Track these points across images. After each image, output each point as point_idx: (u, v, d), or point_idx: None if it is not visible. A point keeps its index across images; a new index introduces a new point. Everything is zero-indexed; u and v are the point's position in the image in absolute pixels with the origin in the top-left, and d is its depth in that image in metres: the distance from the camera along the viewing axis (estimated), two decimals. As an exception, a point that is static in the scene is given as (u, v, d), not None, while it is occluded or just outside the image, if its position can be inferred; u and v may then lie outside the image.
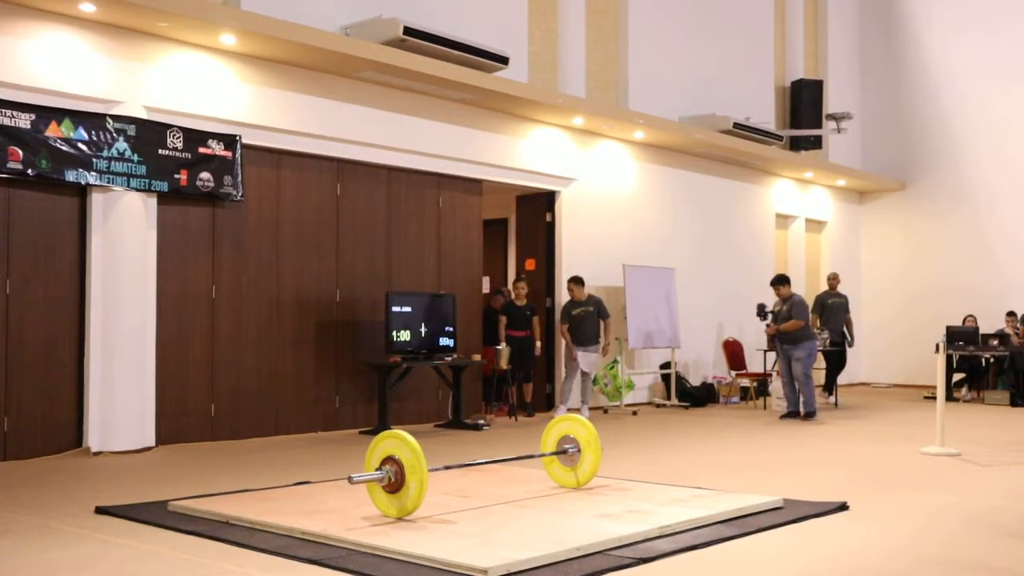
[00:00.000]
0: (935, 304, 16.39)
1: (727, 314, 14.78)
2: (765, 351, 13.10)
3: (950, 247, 16.83)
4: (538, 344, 11.50)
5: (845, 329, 13.67)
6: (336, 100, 9.72)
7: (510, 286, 12.47)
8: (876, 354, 17.58)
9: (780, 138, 15.01)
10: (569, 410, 11.45)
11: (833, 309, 13.66)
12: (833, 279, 14.11)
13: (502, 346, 11.27)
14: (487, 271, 12.29)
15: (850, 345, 13.84)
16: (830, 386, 13.58)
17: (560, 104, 11.25)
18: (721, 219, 14.76)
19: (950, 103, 16.86)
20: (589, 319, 11.42)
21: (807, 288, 16.37)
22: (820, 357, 13.75)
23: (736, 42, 15.06)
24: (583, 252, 12.42)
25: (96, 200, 8.19)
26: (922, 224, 17.22)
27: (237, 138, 9.00)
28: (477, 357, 10.96)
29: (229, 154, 8.95)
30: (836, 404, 13.17)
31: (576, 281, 11.49)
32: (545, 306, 12.29)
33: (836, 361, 13.58)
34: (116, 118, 8.18)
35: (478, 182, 11.35)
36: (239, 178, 9.02)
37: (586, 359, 11.41)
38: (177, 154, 8.58)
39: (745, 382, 13.88)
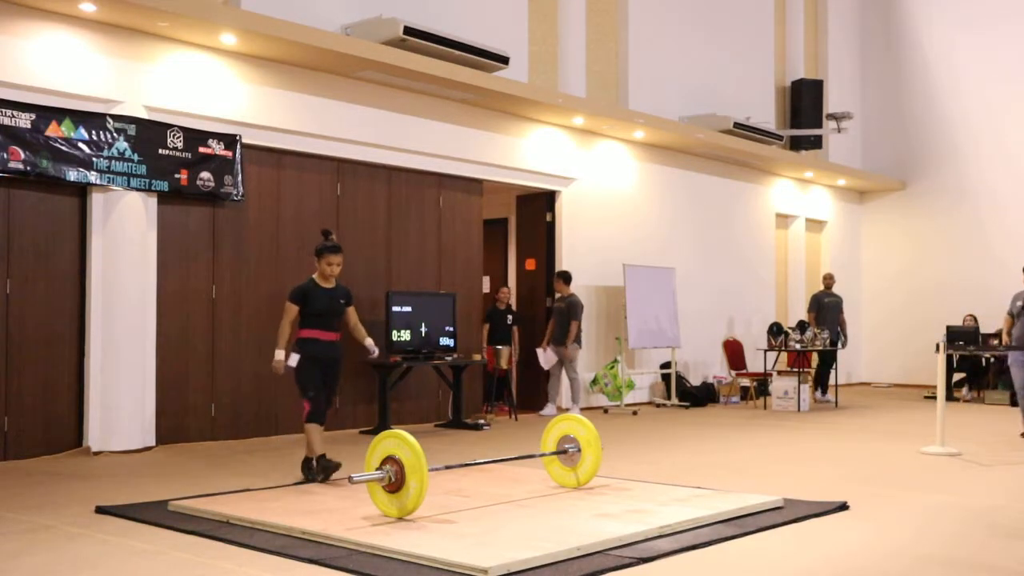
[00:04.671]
0: (935, 304, 16.40)
1: (727, 314, 14.79)
2: (765, 351, 13.10)
3: (950, 246, 16.83)
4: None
5: (839, 329, 13.73)
6: (336, 100, 9.72)
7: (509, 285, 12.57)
8: (876, 354, 17.58)
9: (780, 138, 15.01)
10: (559, 409, 11.51)
11: (829, 308, 13.74)
12: (828, 278, 14.19)
13: (501, 347, 11.32)
14: (487, 271, 12.29)
15: (843, 346, 13.88)
16: (824, 386, 13.66)
17: (560, 104, 11.25)
18: (721, 219, 14.76)
19: (950, 103, 16.86)
20: (559, 316, 11.50)
21: (807, 288, 16.37)
22: (814, 356, 13.77)
23: (736, 42, 15.06)
24: (583, 252, 12.42)
25: (96, 200, 8.20)
26: (922, 224, 17.22)
27: (237, 138, 9.00)
28: (477, 357, 10.96)
29: (229, 154, 8.95)
30: (835, 404, 13.18)
31: (562, 277, 11.64)
32: (545, 306, 12.31)
33: (830, 361, 13.66)
34: (116, 118, 8.19)
35: (478, 182, 11.35)
36: (239, 178, 9.02)
37: (543, 356, 11.52)
38: (177, 154, 8.58)
39: (745, 382, 13.88)
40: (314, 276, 6.92)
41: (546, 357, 11.52)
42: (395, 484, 5.14)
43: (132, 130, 8.28)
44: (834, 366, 13.68)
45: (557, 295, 11.63)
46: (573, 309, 11.45)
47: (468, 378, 10.74)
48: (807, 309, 14.18)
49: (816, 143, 16.17)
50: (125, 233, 8.26)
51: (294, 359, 6.74)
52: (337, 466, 6.66)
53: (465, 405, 10.50)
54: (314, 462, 6.70)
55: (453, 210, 11.08)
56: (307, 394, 6.74)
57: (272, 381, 9.31)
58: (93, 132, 8.04)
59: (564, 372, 11.60)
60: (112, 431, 8.14)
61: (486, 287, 12.32)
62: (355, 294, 9.98)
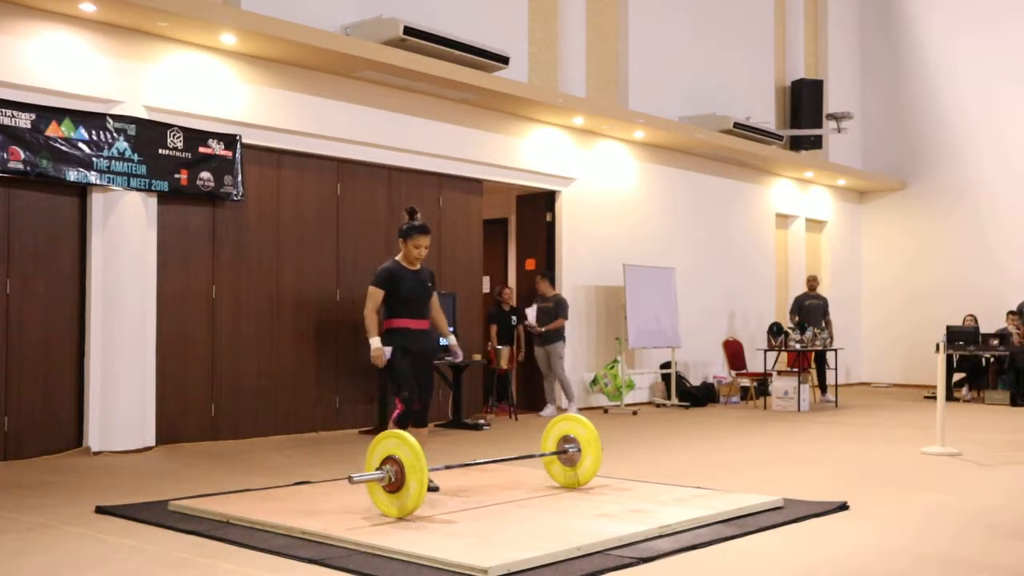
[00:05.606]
0: (935, 304, 16.40)
1: (727, 314, 14.79)
2: (765, 351, 13.10)
3: (950, 247, 16.83)
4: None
5: (825, 329, 13.77)
6: (336, 100, 9.72)
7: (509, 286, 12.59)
8: (876, 354, 17.58)
9: (780, 138, 15.01)
10: (559, 409, 11.53)
11: (810, 310, 13.79)
12: (812, 280, 14.28)
13: (501, 346, 11.34)
14: (487, 271, 12.29)
15: (828, 345, 13.90)
16: (823, 386, 13.68)
17: (560, 104, 11.25)
18: (721, 219, 14.76)
19: (950, 103, 16.86)
20: (546, 315, 11.56)
21: (806, 288, 16.36)
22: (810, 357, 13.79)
23: (736, 42, 15.06)
24: (583, 252, 12.42)
25: (96, 200, 8.20)
26: (922, 224, 17.22)
27: (237, 138, 9.00)
28: (477, 357, 10.96)
29: (229, 154, 8.95)
30: (836, 404, 13.18)
31: (548, 278, 11.71)
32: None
33: (823, 361, 13.71)
34: (116, 118, 8.19)
35: (478, 182, 11.35)
36: (239, 178, 9.02)
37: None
38: (177, 154, 8.58)
39: (745, 382, 13.88)
40: (397, 258, 6.25)
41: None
42: (395, 484, 5.14)
43: (132, 130, 8.28)
44: (826, 366, 13.73)
45: (541, 295, 11.65)
46: (562, 308, 11.51)
47: (468, 378, 10.74)
48: (789, 312, 14.21)
49: (816, 143, 16.18)
50: (125, 233, 8.26)
51: (386, 352, 6.09)
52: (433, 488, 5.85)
53: (465, 405, 10.50)
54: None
55: (453, 210, 11.08)
56: (402, 393, 6.08)
57: (272, 381, 9.33)
58: (93, 132, 8.04)
59: (554, 373, 11.62)
60: (112, 431, 8.14)
61: (486, 287, 12.33)
62: (355, 294, 10.10)
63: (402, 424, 6.05)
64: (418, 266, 6.28)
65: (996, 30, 16.38)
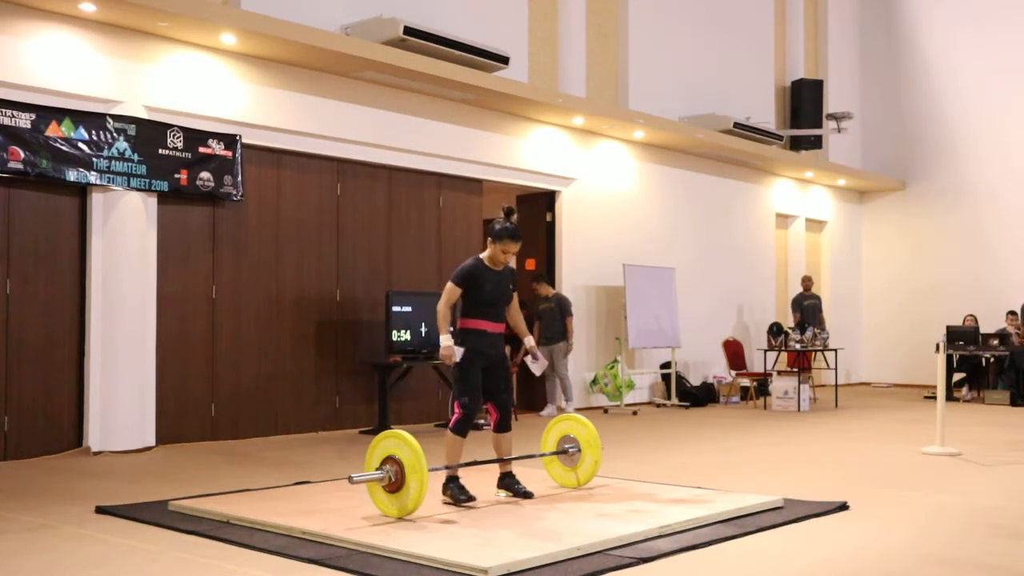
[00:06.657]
0: (935, 304, 16.41)
1: (727, 314, 14.79)
2: (765, 351, 13.09)
3: (950, 247, 16.83)
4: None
5: (824, 329, 13.86)
6: (336, 100, 9.72)
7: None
8: (876, 354, 17.58)
9: (780, 138, 15.01)
10: (559, 409, 11.52)
11: (809, 309, 13.90)
12: (807, 280, 14.39)
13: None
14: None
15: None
16: None
17: (560, 104, 11.25)
18: (721, 219, 14.76)
19: (950, 102, 16.86)
20: (547, 316, 11.57)
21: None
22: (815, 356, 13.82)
23: (736, 42, 15.06)
24: (583, 252, 12.42)
25: (96, 200, 8.20)
26: (922, 224, 17.23)
27: (237, 138, 9.00)
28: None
29: (229, 154, 8.95)
30: (836, 403, 13.17)
31: (544, 279, 11.77)
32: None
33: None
34: (116, 118, 8.19)
35: (478, 182, 11.36)
36: (239, 178, 9.02)
37: (535, 365, 11.56)
38: (177, 154, 8.58)
39: (745, 382, 13.88)
40: (482, 256, 5.98)
41: (538, 364, 11.54)
42: (395, 484, 5.14)
43: (132, 130, 8.28)
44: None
45: (543, 297, 11.63)
46: (566, 306, 11.50)
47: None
48: (792, 310, 14.27)
49: (816, 143, 16.18)
50: (125, 233, 8.26)
51: (458, 352, 5.76)
52: (524, 494, 5.81)
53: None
54: (460, 481, 5.74)
55: (453, 210, 11.08)
56: (463, 399, 5.84)
57: (272, 381, 9.33)
58: (93, 132, 8.04)
59: (556, 372, 11.62)
60: (112, 431, 8.14)
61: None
62: (355, 294, 10.11)
63: (461, 431, 5.83)
64: (501, 267, 6.01)
65: (996, 30, 16.38)
